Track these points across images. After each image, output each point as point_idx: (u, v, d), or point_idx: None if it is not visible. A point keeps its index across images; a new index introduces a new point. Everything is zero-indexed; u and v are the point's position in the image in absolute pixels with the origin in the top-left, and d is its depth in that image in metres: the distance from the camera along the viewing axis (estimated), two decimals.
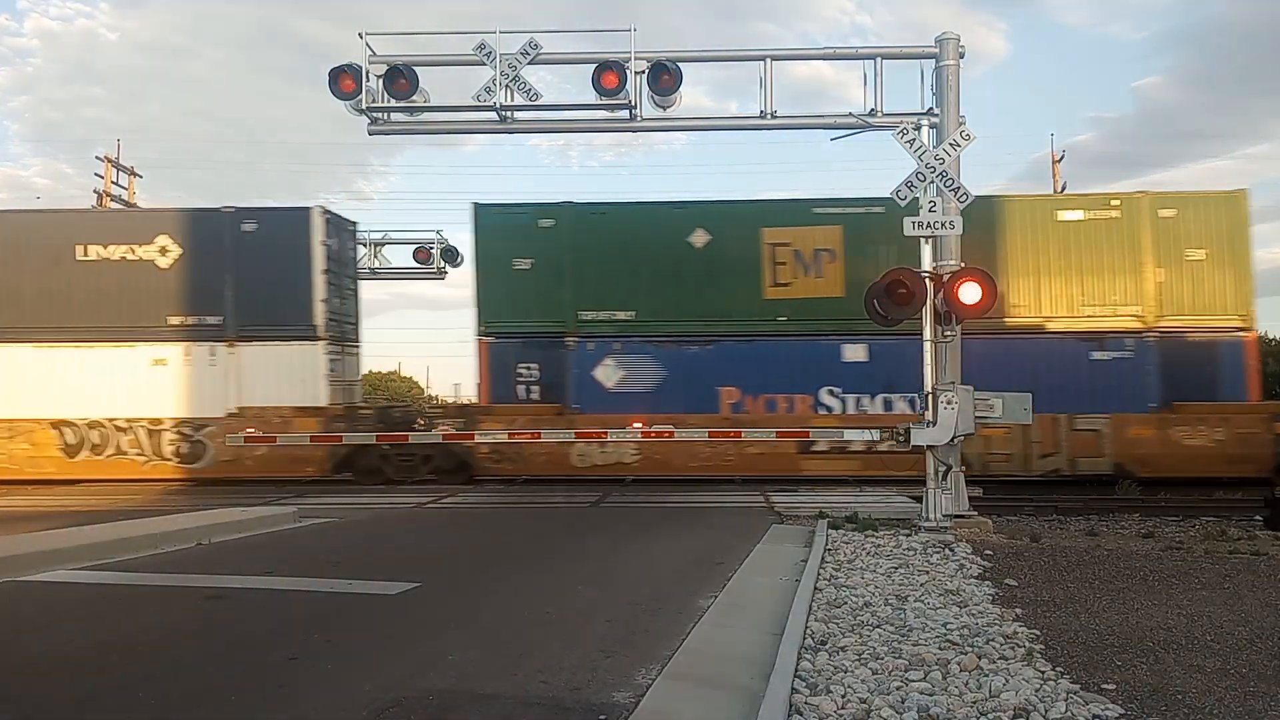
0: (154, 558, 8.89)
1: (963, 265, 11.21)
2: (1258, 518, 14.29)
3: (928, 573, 8.01)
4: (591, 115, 13.35)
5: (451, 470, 17.48)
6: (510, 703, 4.38)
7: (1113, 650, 5.49)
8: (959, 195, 11.07)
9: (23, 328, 17.95)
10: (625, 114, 12.86)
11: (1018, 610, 6.55)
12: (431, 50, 13.35)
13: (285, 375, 17.73)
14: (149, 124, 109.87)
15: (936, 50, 11.95)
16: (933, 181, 11.08)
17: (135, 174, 32.51)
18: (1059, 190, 31.94)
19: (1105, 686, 4.75)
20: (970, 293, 10.63)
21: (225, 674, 4.95)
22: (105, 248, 18.05)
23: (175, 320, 17.87)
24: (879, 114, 12.37)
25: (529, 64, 12.66)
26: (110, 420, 17.74)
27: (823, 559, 8.56)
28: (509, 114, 12.90)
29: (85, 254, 18.05)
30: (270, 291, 17.93)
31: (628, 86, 12.44)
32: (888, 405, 17.03)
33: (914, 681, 4.81)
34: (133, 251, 18.01)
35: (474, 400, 18.78)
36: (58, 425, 17.73)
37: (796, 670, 4.93)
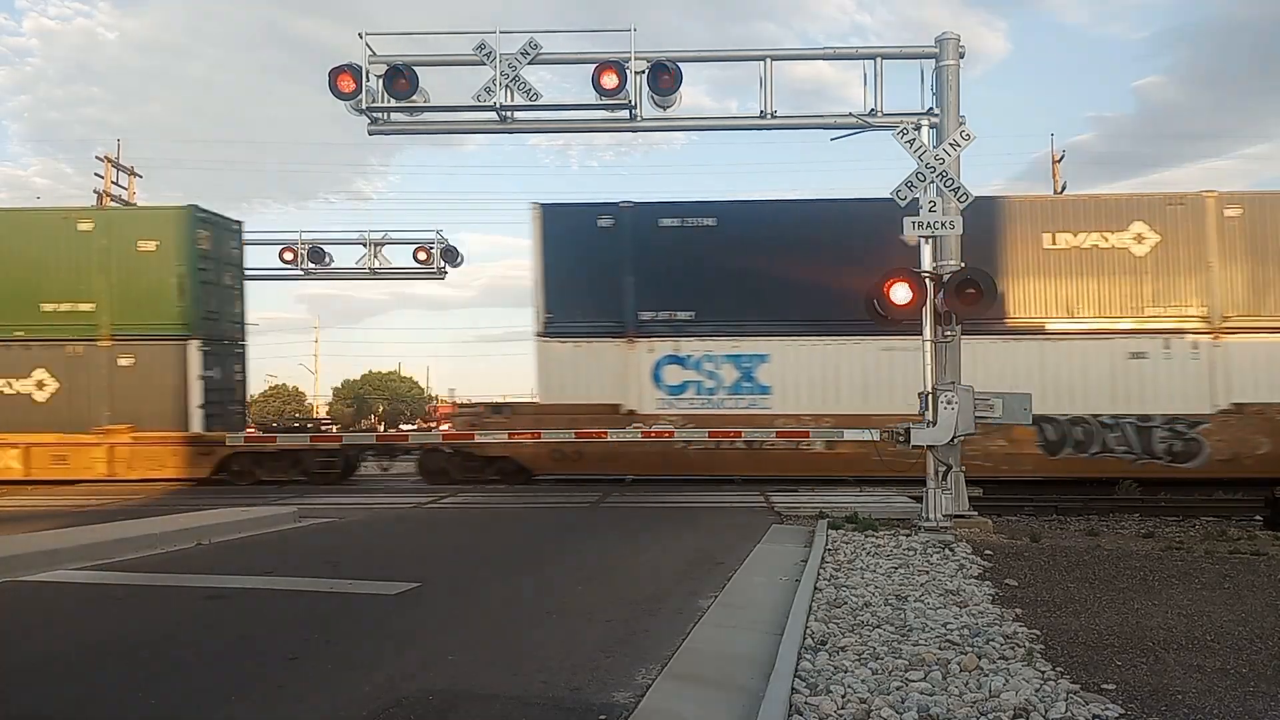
0: (154, 558, 8.89)
1: (963, 265, 11.22)
2: (1258, 518, 14.33)
3: (928, 573, 8.01)
4: (591, 115, 13.33)
5: None
6: (510, 703, 4.38)
7: (1113, 650, 5.49)
8: (959, 195, 11.08)
9: (988, 319, 16.48)
10: (625, 114, 12.85)
11: (1018, 610, 6.55)
12: (431, 50, 13.34)
13: None
14: (149, 124, 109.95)
15: (936, 50, 11.96)
16: (933, 181, 11.10)
17: (135, 174, 32.54)
18: (1059, 190, 32.00)
19: (1105, 686, 4.75)
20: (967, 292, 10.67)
21: (225, 674, 4.95)
22: (1075, 235, 17.20)
23: (1153, 311, 16.87)
24: (879, 114, 12.36)
25: (529, 64, 12.65)
26: (1094, 416, 16.65)
27: (823, 559, 8.56)
28: (509, 114, 12.90)
29: (1054, 242, 17.23)
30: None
31: (628, 86, 12.42)
32: None
33: (914, 681, 4.81)
34: (1105, 239, 17.14)
35: None
36: (1038, 421, 16.23)
37: (796, 670, 4.93)
